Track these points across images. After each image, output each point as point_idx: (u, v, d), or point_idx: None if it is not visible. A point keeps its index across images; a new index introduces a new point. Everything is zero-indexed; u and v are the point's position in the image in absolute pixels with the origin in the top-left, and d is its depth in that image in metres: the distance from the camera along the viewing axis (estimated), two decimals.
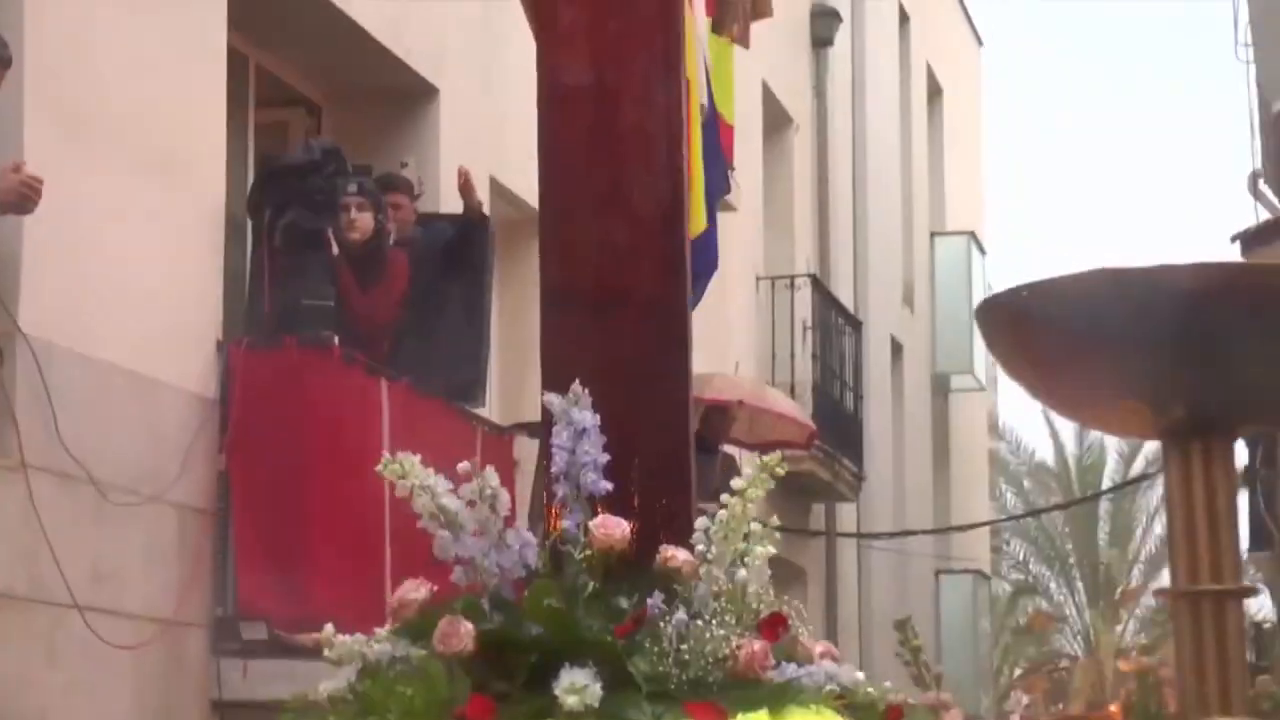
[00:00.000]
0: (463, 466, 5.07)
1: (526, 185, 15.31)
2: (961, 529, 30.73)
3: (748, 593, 4.93)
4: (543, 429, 5.13)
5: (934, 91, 31.81)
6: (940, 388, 31.40)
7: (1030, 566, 42.39)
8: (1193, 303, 3.26)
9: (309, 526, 11.66)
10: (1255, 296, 3.34)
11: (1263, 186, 19.45)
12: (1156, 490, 39.44)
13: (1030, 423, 41.30)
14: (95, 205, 10.37)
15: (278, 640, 11.44)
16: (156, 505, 11.03)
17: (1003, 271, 36.36)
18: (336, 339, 12.03)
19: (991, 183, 36.38)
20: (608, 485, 4.88)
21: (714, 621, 4.74)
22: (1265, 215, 18.89)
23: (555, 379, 5.02)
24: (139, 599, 10.87)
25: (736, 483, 5.10)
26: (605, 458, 4.89)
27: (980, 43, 36.01)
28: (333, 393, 11.91)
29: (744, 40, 6.39)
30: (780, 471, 5.28)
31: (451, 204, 14.09)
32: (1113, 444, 41.00)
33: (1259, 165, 19.90)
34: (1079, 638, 41.16)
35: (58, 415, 10.18)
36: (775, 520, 5.23)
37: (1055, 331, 3.46)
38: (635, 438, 4.97)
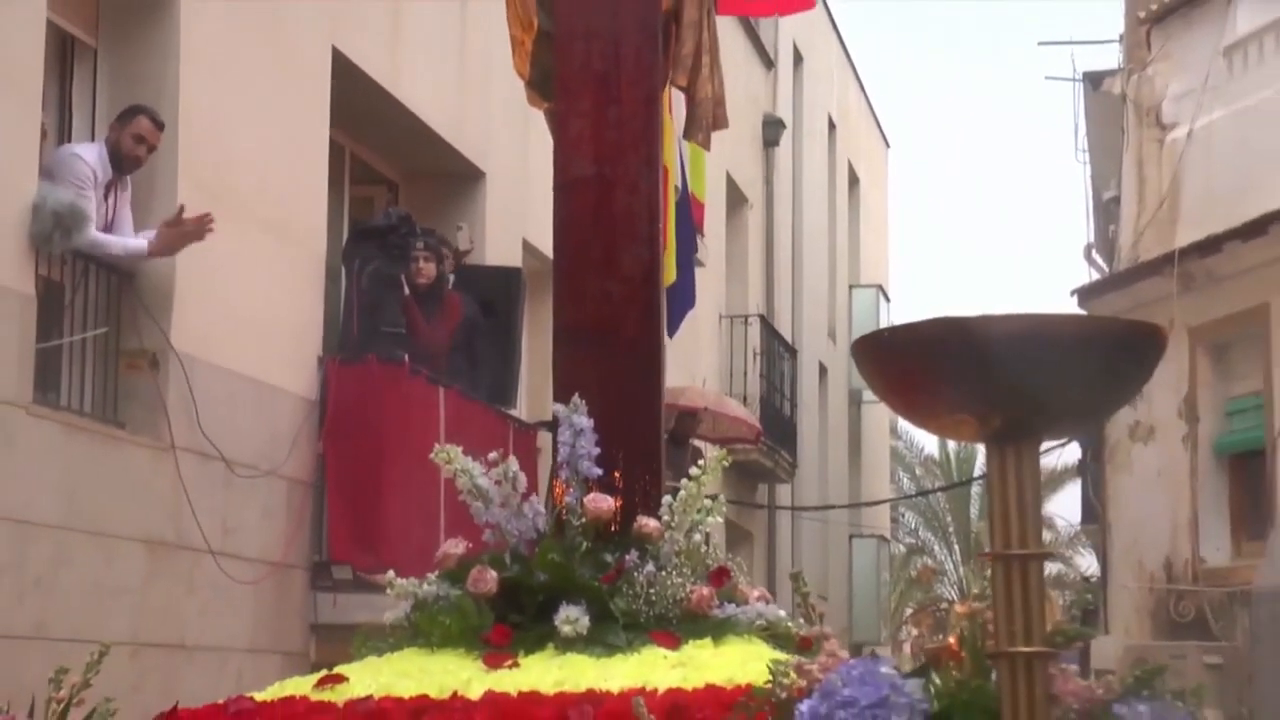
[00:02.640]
0: (491, 456, 5.26)
1: (549, 243, 15.37)
2: (869, 505, 30.85)
3: (701, 551, 5.16)
4: (552, 428, 5.27)
5: (853, 180, 31.79)
6: (854, 400, 31.39)
7: (919, 533, 42.50)
8: (1005, 343, 3.35)
9: (383, 496, 11.60)
10: (1050, 339, 3.40)
11: (1094, 255, 19.54)
12: None
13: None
14: (229, 253, 10.29)
15: (359, 579, 11.38)
16: (270, 478, 11.03)
17: (903, 314, 36.30)
18: (406, 357, 11.95)
19: (895, 248, 36.31)
20: (598, 471, 5.07)
21: (674, 572, 4.95)
22: (1096, 276, 18.92)
23: (563, 393, 5.19)
24: (256, 547, 10.88)
25: (693, 470, 5.25)
26: (597, 451, 5.06)
27: (888, 145, 36.05)
28: (402, 397, 11.85)
29: (706, 144, 6.38)
30: (726, 464, 5.60)
31: (496, 259, 14.12)
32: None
33: (1092, 239, 19.99)
34: (955, 586, 41.12)
35: (199, 410, 10.14)
36: (724, 497, 5.37)
37: (908, 362, 3.50)
38: (619, 437, 5.14)
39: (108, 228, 9.67)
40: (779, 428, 23.74)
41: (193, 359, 10.15)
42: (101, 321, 9.83)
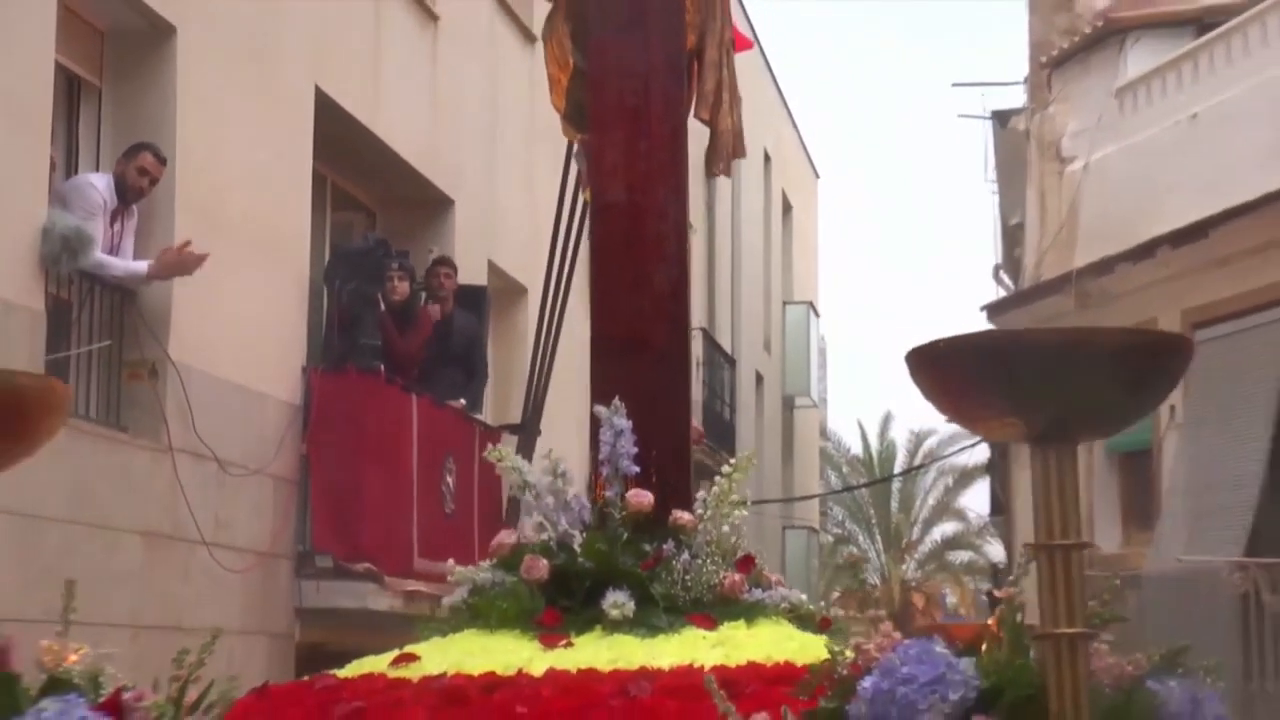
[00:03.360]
0: (547, 453, 5.29)
1: (512, 264, 15.50)
2: (800, 499, 30.80)
3: (730, 540, 5.08)
4: (591, 428, 5.17)
5: (786, 207, 31.71)
6: (788, 405, 31.36)
7: (846, 525, 42.43)
8: (1049, 354, 3.34)
9: (361, 492, 11.63)
10: (1089, 351, 3.40)
11: (1002, 275, 19.67)
12: (930, 475, 39.69)
13: (847, 429, 41.46)
14: (222, 273, 10.24)
15: (339, 567, 11.49)
16: (259, 477, 11.02)
17: (831, 328, 36.31)
18: (382, 367, 12.00)
19: (824, 268, 36.31)
20: (636, 468, 5.01)
21: (707, 560, 4.94)
22: (1003, 294, 19.03)
23: (601, 398, 5.11)
24: (246, 538, 10.88)
25: (724, 468, 5.24)
26: (635, 450, 5.00)
27: (818, 176, 35.99)
28: (378, 403, 11.90)
29: (727, 172, 6.40)
30: (755, 463, 5.79)
31: (464, 278, 13.91)
32: (901, 443, 41.21)
33: (999, 260, 20.13)
34: (877, 573, 41.21)
35: (194, 415, 10.12)
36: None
37: (960, 370, 3.46)
38: (652, 438, 5.08)
39: (113, 251, 9.70)
40: (719, 430, 23.70)
41: (189, 368, 10.16)
42: (105, 335, 9.83)
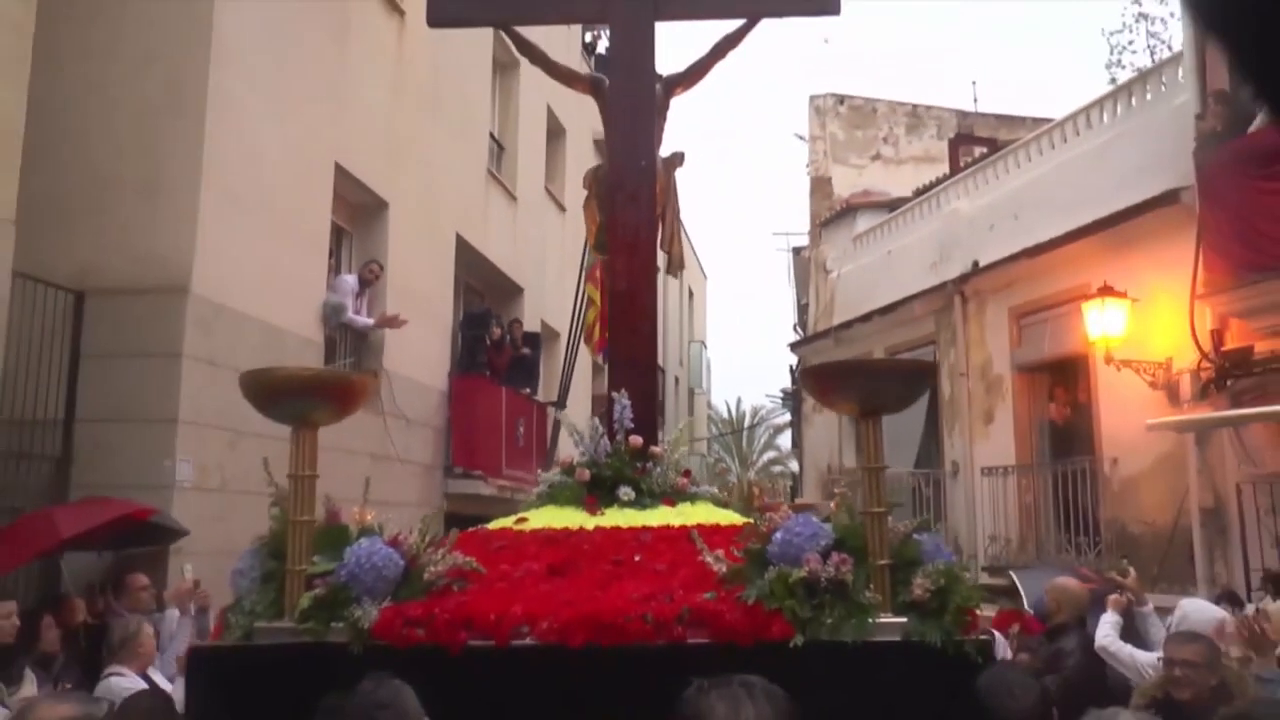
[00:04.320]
0: (592, 418, 4.81)
1: (553, 320, 15.27)
2: (697, 440, 30.56)
3: (680, 463, 4.71)
4: (607, 404, 4.69)
5: (691, 294, 31.42)
6: (691, 393, 31.21)
7: (720, 454, 41.84)
8: (865, 372, 3.28)
9: (476, 435, 11.53)
10: (882, 371, 3.33)
11: (797, 329, 19.08)
12: (760, 429, 39.37)
13: (721, 406, 41.12)
14: (410, 327, 10.16)
15: (466, 472, 11.38)
16: (427, 427, 10.98)
17: (713, 354, 36.08)
18: (487, 372, 11.97)
19: (710, 325, 35.88)
20: (632, 424, 4.63)
21: (669, 471, 4.60)
22: (798, 338, 18.64)
23: (614, 388, 4.71)
24: (420, 457, 10.79)
25: (675, 429, 4.88)
26: (631, 414, 4.64)
27: (706, 277, 35.61)
28: (484, 391, 11.79)
29: (677, 274, 5.83)
30: (689, 430, 4.94)
31: (529, 328, 13.75)
32: (748, 412, 40.89)
33: (796, 321, 19.59)
34: (735, 477, 40.68)
35: (395, 396, 10.00)
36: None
37: (826, 380, 3.31)
38: (639, 409, 4.68)
39: (356, 313, 9.71)
40: (656, 405, 23.45)
41: (394, 373, 10.17)
42: (353, 355, 9.83)
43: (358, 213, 10.32)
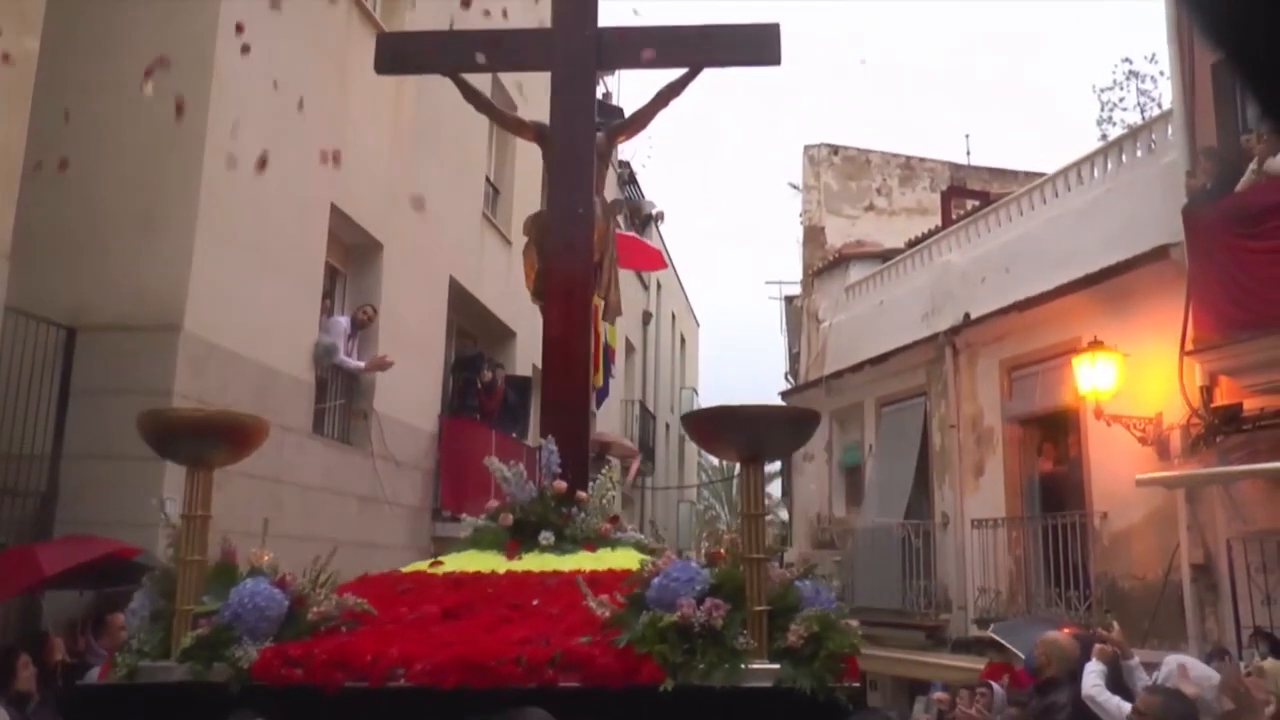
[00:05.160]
0: (510, 463, 4.78)
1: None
2: (688, 487, 30.63)
3: (606, 508, 4.68)
4: (540, 452, 4.75)
5: (683, 341, 31.52)
6: (682, 440, 30.96)
7: (710, 500, 41.84)
8: (749, 417, 3.22)
9: (465, 478, 11.32)
10: (768, 416, 3.29)
11: (789, 377, 19.18)
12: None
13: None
14: (402, 369, 10.16)
15: (452, 515, 11.14)
16: (415, 469, 10.91)
17: (706, 400, 36.06)
18: (478, 415, 11.92)
19: (702, 372, 36.13)
20: (559, 470, 4.63)
21: (593, 517, 4.58)
22: (790, 386, 18.65)
23: (544, 432, 4.75)
24: (408, 499, 10.70)
25: (604, 470, 5.00)
26: (558, 459, 4.64)
27: (698, 324, 35.85)
28: (474, 435, 11.70)
29: (612, 320, 5.73)
30: (617, 476, 4.98)
31: (522, 371, 13.71)
32: None
33: (787, 369, 19.81)
34: (725, 524, 40.29)
35: (385, 437, 9.97)
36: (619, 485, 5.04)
37: (708, 425, 3.32)
38: (567, 454, 4.69)
39: (347, 354, 9.69)
40: (647, 451, 23.47)
41: (384, 414, 10.12)
42: (343, 396, 9.80)
43: (352, 254, 10.32)
